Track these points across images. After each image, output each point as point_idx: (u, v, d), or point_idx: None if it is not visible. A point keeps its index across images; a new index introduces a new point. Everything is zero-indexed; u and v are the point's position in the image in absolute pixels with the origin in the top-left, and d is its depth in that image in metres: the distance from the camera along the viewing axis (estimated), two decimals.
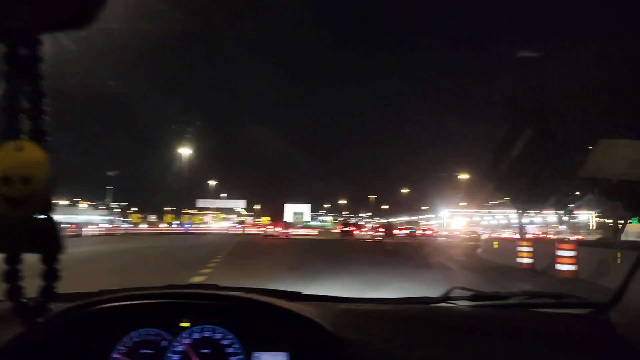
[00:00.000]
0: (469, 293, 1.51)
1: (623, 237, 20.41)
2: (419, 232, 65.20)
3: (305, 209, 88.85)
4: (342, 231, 52.51)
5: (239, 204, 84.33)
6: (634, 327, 1.15)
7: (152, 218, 66.34)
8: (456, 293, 1.52)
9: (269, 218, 77.70)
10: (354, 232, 47.23)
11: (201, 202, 77.61)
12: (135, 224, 55.25)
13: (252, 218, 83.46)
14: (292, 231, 50.08)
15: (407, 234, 51.96)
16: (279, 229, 45.01)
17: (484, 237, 42.41)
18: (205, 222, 69.63)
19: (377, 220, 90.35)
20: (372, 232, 53.19)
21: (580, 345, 1.19)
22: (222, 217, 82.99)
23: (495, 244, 20.46)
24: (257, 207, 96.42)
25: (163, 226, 55.93)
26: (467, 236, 63.71)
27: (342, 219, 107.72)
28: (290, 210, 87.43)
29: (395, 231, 53.58)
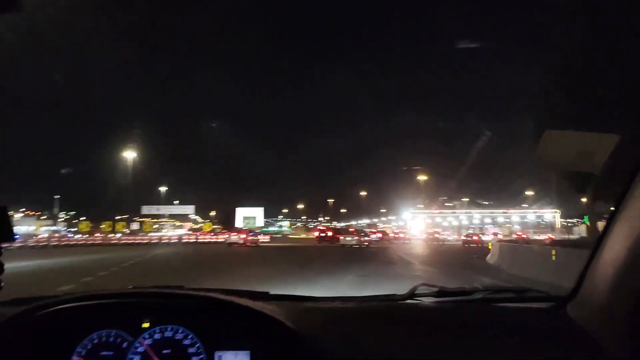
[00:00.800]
0: (433, 289, 1.52)
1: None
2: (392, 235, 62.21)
3: (257, 213, 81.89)
4: (320, 237, 47.51)
5: (188, 210, 77.06)
6: (591, 320, 1.17)
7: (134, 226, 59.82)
8: (422, 290, 1.53)
9: (210, 224, 73.03)
10: (339, 238, 42.12)
11: (145, 209, 70.05)
12: (85, 233, 48.46)
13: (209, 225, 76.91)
14: (262, 238, 44.81)
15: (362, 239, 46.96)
16: (243, 236, 39.48)
17: (485, 238, 40.70)
18: (157, 230, 62.20)
19: (338, 224, 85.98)
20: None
21: (540, 338, 1.21)
22: (176, 224, 76.14)
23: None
24: (212, 213, 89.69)
25: (112, 235, 48.86)
26: (439, 238, 61.45)
27: (300, 223, 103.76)
28: (242, 215, 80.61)
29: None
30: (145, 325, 1.27)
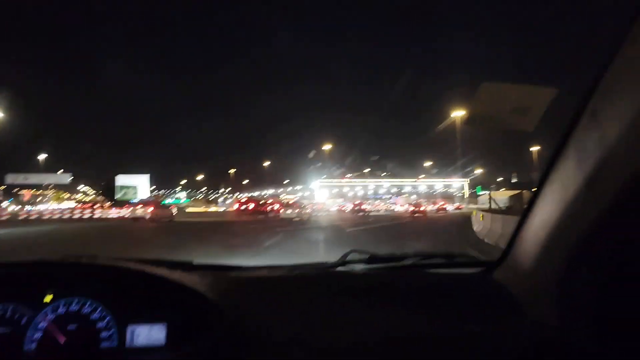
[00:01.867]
0: (364, 256, 1.52)
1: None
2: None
3: (140, 181, 70.53)
4: (240, 211, 41.21)
5: (63, 179, 64.35)
6: (519, 285, 1.18)
7: None
8: (353, 256, 1.53)
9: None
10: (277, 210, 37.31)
11: (10, 178, 57.30)
12: None
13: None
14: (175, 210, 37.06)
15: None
16: (150, 210, 31.91)
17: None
18: (33, 204, 50.46)
19: (240, 195, 79.31)
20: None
21: (468, 303, 1.22)
22: (62, 196, 63.69)
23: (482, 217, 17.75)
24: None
25: None
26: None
27: (201, 195, 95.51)
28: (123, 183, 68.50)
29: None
30: (48, 298, 1.16)
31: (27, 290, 1.17)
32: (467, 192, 77.16)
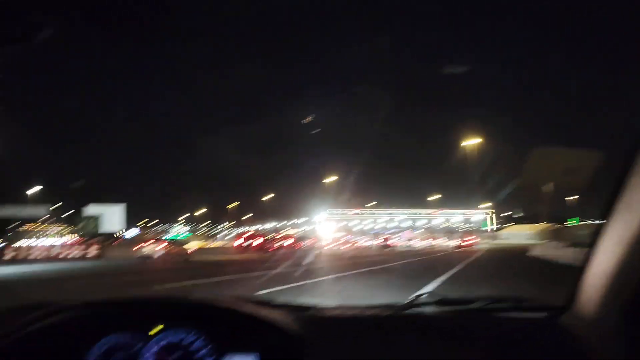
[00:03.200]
0: (434, 298, 1.55)
1: None
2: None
3: (114, 211, 48.09)
4: (242, 247, 37.90)
5: (41, 211, 53.39)
6: (585, 331, 1.18)
7: None
8: (423, 299, 1.56)
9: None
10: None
11: None
12: None
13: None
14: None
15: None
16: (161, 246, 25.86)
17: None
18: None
19: (241, 230, 72.95)
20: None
21: (535, 348, 1.23)
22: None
23: None
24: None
25: None
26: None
27: (202, 231, 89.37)
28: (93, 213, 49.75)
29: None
30: (157, 329, 1.31)
31: (137, 323, 1.31)
32: (491, 223, 71.82)
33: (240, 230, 67.91)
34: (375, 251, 43.27)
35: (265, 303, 1.48)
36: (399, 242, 59.37)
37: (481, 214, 71.62)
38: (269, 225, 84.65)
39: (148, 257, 25.81)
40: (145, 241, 28.86)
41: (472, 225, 76.33)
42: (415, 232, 77.62)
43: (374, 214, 78.08)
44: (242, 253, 34.90)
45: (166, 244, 27.24)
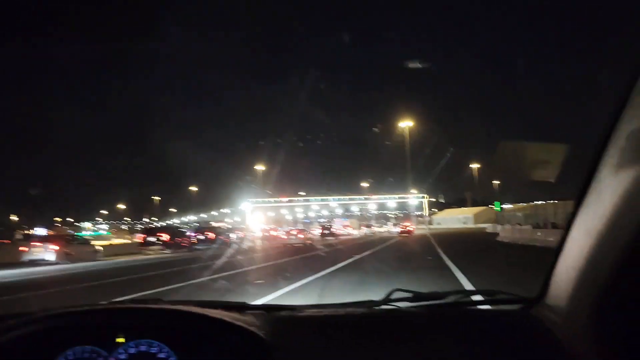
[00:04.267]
0: (408, 294, 1.55)
1: None
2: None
3: None
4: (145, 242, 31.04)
5: None
6: (557, 322, 1.18)
7: None
8: (397, 295, 1.56)
9: None
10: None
11: None
12: None
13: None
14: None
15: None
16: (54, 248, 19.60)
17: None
18: None
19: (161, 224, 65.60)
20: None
21: (508, 340, 1.23)
22: None
23: None
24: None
25: None
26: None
27: (126, 226, 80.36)
28: None
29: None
30: (120, 340, 1.27)
31: (101, 333, 1.27)
32: (426, 209, 69.86)
33: (159, 224, 61.00)
34: (317, 242, 39.40)
35: (237, 306, 1.46)
36: (338, 230, 55.30)
37: (415, 199, 69.45)
38: (193, 218, 77.81)
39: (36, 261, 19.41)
40: (35, 241, 22.03)
41: (405, 211, 74.29)
42: (346, 220, 74.59)
43: (305, 201, 73.12)
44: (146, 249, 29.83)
45: (58, 247, 20.67)
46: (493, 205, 79.64)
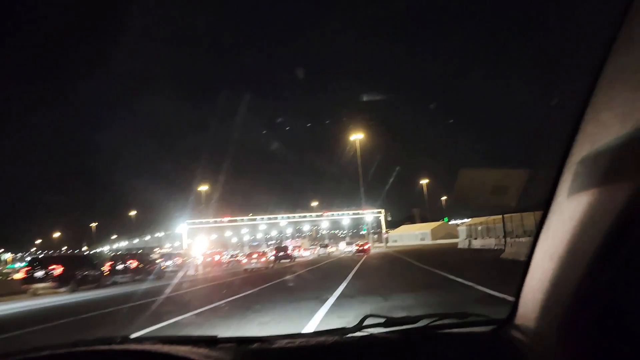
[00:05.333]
0: (381, 320, 1.56)
1: None
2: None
3: None
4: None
5: None
6: (527, 342, 1.19)
7: None
8: (369, 321, 1.57)
9: None
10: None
11: None
12: None
13: None
14: None
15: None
16: None
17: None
18: None
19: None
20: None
21: None
22: None
23: None
24: None
25: None
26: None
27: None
28: None
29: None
30: None
31: None
32: (384, 226, 64.61)
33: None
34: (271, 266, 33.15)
35: (207, 340, 1.42)
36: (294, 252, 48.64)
37: (371, 215, 64.34)
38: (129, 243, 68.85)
39: None
40: None
41: (362, 228, 68.88)
42: (297, 240, 68.39)
43: (250, 220, 65.91)
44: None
45: None
46: (443, 220, 77.52)
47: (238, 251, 60.21)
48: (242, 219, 63.30)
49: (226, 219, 61.87)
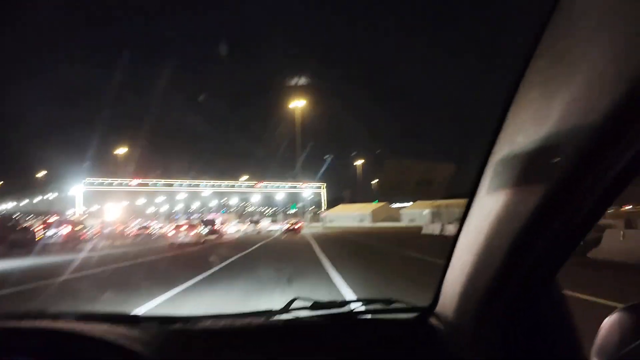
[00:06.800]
0: (308, 303, 1.55)
1: None
2: None
3: None
4: None
5: None
6: (448, 331, 1.22)
7: None
8: (297, 304, 1.55)
9: None
10: None
11: None
12: None
13: None
14: None
15: None
16: None
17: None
18: None
19: None
20: None
21: (403, 349, 1.28)
22: None
23: None
24: None
25: None
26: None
27: None
28: None
29: None
30: None
31: None
32: (325, 201, 57.48)
33: None
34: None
35: (128, 318, 1.37)
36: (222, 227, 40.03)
37: (309, 190, 57.07)
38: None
39: None
40: None
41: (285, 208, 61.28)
42: (224, 214, 59.82)
43: (168, 186, 55.76)
44: None
45: None
46: (374, 202, 73.75)
47: (150, 221, 50.41)
48: (156, 183, 52.99)
49: (135, 181, 51.29)
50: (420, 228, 34.93)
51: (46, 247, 23.00)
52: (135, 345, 1.13)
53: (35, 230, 25.08)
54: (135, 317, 1.40)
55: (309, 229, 49.15)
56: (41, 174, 60.62)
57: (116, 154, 52.63)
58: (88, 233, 29.87)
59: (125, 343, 1.12)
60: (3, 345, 1.14)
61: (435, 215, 36.03)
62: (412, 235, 28.21)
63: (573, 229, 0.86)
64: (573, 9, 0.78)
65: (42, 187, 62.10)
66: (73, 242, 26.02)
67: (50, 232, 25.86)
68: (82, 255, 18.60)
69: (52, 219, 29.36)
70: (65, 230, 27.25)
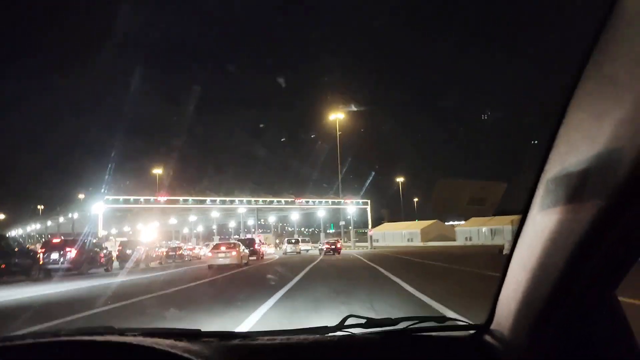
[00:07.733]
0: (362, 320, 1.57)
1: None
2: None
3: None
4: None
5: None
6: (502, 349, 1.22)
7: None
8: (350, 321, 1.57)
9: None
10: None
11: None
12: None
13: None
14: None
15: None
16: None
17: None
18: None
19: None
20: None
21: None
22: None
23: None
24: None
25: None
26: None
27: None
28: None
29: None
30: None
31: None
32: (370, 220, 51.99)
33: None
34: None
35: (189, 334, 1.42)
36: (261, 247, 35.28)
37: (354, 207, 51.74)
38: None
39: None
40: None
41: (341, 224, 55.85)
42: (261, 234, 55.19)
43: (199, 203, 51.00)
44: None
45: None
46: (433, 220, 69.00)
47: (182, 242, 45.98)
48: (187, 199, 48.54)
49: (163, 198, 46.94)
50: (491, 247, 31.43)
51: (49, 273, 19.92)
52: (198, 358, 1.16)
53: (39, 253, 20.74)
54: (197, 332, 1.44)
55: (355, 249, 44.51)
56: (74, 194, 57.73)
57: (150, 172, 48.94)
58: (105, 255, 25.26)
59: (189, 356, 1.16)
60: (76, 357, 1.22)
61: (495, 233, 33.51)
62: (494, 256, 22.80)
63: (629, 245, 0.85)
64: (621, 30, 0.79)
65: (65, 207, 59.15)
66: (86, 266, 21.59)
67: (54, 255, 21.34)
68: (83, 284, 14.69)
69: (55, 240, 24.83)
70: (71, 253, 22.52)
